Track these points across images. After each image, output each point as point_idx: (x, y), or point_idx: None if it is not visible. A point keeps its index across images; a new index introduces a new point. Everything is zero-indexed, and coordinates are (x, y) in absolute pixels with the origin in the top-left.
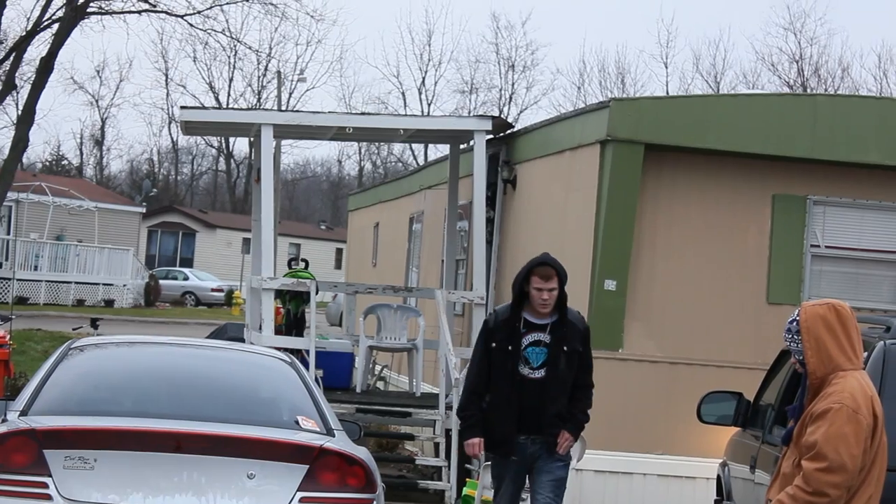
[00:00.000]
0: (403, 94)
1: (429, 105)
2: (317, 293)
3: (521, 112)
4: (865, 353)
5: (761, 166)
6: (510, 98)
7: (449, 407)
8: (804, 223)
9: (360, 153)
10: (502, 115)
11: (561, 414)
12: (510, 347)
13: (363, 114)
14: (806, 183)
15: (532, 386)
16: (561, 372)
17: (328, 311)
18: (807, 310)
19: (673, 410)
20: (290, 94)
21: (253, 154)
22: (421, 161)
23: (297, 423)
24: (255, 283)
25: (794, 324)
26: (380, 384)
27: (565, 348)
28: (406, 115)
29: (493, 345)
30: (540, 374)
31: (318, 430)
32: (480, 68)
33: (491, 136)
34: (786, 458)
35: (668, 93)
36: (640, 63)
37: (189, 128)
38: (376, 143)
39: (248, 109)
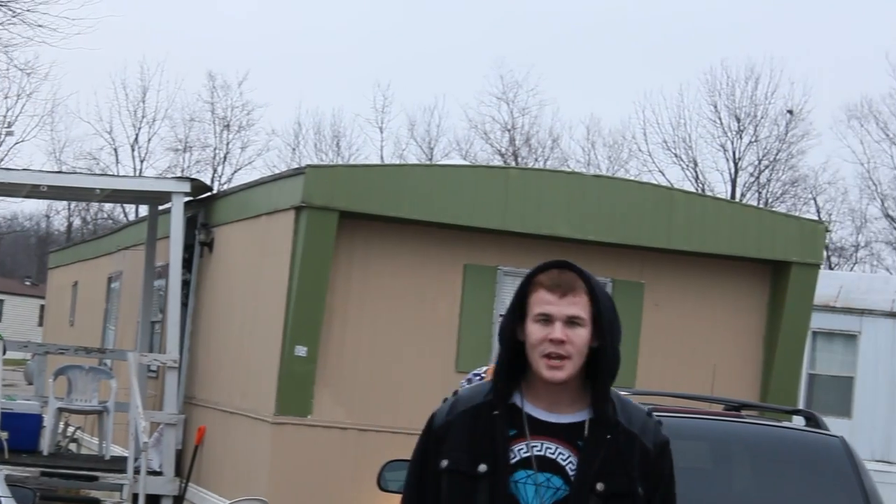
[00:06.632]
0: (116, 150)
1: (142, 162)
2: (4, 353)
3: (235, 172)
4: None
5: (454, 236)
6: (225, 158)
7: (137, 471)
8: (494, 293)
9: (69, 209)
10: (216, 175)
11: None
12: (483, 469)
13: (58, 172)
14: (497, 254)
15: None
16: None
17: (27, 369)
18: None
19: (360, 477)
20: None
21: None
22: (132, 218)
23: None
24: None
25: (479, 379)
26: (73, 446)
27: (600, 487)
28: (104, 174)
29: (444, 464)
30: None
31: None
32: (195, 127)
33: (190, 199)
34: None
35: (382, 158)
36: (356, 127)
37: None
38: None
39: None
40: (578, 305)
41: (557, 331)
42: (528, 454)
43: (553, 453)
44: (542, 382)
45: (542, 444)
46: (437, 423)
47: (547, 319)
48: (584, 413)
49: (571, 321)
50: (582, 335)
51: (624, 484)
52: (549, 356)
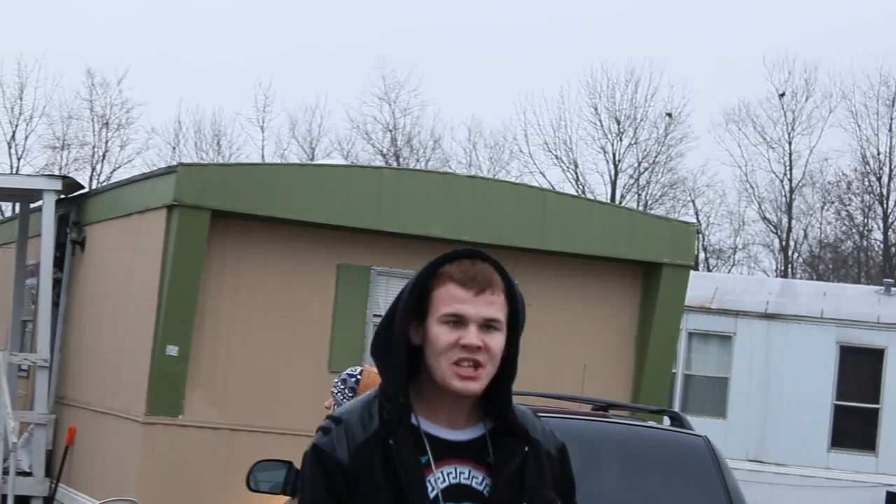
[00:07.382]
0: None
1: (19, 160)
2: None
3: (114, 170)
4: None
5: (327, 236)
6: (104, 156)
7: (6, 472)
8: (367, 293)
9: None
10: (95, 173)
11: None
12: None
13: None
14: (370, 254)
15: None
16: None
17: None
18: (370, 373)
19: (231, 477)
20: None
21: None
22: (8, 216)
23: None
24: None
25: (354, 381)
26: None
27: None
28: None
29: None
30: None
31: None
32: (73, 124)
33: (62, 196)
34: None
35: (263, 157)
36: (237, 126)
37: None
38: None
39: None
40: (496, 306)
41: (472, 335)
42: (445, 484)
43: (467, 478)
44: (441, 395)
45: (455, 468)
46: (339, 459)
47: (458, 321)
48: (481, 427)
49: (488, 324)
50: (499, 341)
51: (548, 498)
52: (459, 363)
